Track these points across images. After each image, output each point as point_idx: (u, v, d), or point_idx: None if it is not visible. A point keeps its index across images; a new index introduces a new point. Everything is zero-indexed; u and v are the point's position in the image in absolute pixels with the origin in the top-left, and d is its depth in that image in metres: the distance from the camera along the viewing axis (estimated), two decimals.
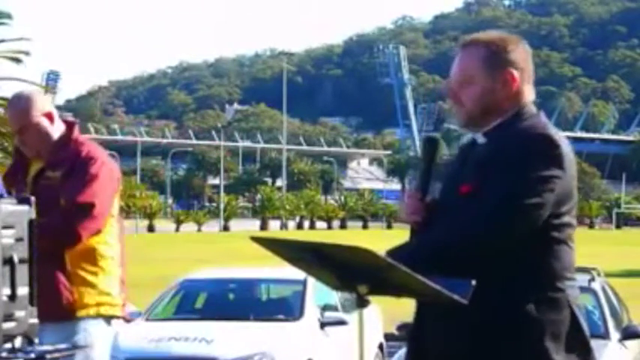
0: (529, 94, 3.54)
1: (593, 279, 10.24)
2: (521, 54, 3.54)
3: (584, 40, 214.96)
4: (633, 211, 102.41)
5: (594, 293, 10.04)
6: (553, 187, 3.35)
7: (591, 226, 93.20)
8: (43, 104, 5.23)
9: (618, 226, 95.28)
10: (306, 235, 66.68)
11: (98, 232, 5.09)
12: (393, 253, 3.38)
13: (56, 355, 3.79)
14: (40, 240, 4.00)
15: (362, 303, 3.14)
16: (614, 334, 9.62)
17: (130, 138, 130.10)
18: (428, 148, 3.64)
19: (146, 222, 75.63)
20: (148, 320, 11.24)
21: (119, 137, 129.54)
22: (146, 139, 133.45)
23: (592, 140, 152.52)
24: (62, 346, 4.14)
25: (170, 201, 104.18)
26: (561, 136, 3.45)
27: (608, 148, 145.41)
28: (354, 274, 3.08)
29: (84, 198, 5.03)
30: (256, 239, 3.19)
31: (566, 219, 3.43)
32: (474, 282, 3.17)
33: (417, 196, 3.54)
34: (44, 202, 4.84)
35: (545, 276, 3.39)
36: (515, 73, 3.50)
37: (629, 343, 9.73)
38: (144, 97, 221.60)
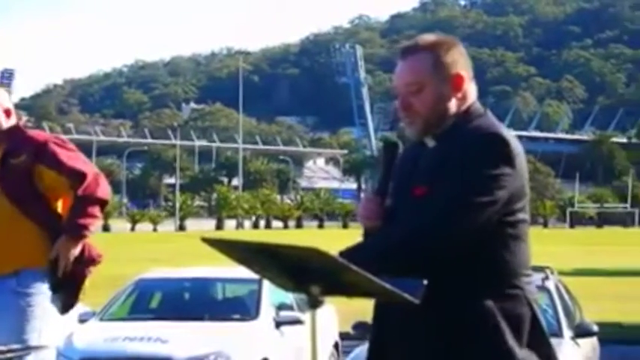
0: (473, 92, 3.58)
1: (547, 277, 10.31)
2: (462, 54, 3.57)
3: (539, 40, 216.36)
4: (587, 211, 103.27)
5: (548, 292, 10.10)
6: (504, 184, 3.37)
7: (545, 225, 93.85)
8: (3, 99, 5.37)
9: (572, 225, 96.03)
10: (262, 235, 66.65)
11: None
12: (346, 253, 3.37)
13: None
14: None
15: (315, 304, 3.13)
16: (567, 332, 9.68)
17: (85, 137, 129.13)
18: (387, 152, 3.60)
19: (101, 221, 75.21)
20: (102, 320, 11.18)
21: (74, 136, 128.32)
22: (101, 138, 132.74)
23: (546, 140, 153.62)
24: (16, 346, 4.14)
25: (125, 200, 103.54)
26: (511, 135, 3.48)
27: (562, 148, 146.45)
28: (307, 275, 3.06)
29: (79, 166, 5.27)
30: (207, 240, 3.12)
31: (520, 216, 3.46)
32: (425, 282, 3.17)
33: (377, 200, 3.52)
34: (15, 183, 5.19)
35: (502, 273, 3.41)
36: (462, 74, 3.53)
37: (582, 340, 9.80)
38: (99, 96, 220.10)
